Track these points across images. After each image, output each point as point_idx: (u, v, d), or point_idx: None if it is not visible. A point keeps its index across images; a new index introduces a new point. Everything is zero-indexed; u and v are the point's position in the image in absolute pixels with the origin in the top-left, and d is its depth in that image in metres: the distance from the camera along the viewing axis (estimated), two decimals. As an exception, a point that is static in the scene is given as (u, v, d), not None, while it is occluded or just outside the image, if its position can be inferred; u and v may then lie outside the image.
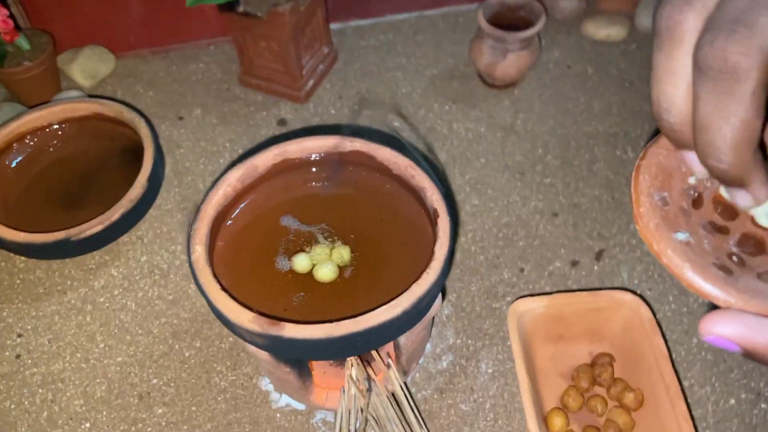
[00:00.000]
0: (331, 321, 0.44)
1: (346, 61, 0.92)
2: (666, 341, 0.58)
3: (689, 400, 0.60)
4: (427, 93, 0.87)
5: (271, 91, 0.88)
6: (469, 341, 0.64)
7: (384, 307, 0.44)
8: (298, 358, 0.51)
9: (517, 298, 0.61)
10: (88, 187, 0.74)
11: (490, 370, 0.63)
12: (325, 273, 0.50)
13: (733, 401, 0.60)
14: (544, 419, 0.57)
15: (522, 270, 0.69)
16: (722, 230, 0.34)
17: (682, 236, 0.32)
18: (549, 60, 0.90)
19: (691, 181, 0.35)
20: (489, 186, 0.76)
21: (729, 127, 0.25)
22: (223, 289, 0.46)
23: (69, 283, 0.70)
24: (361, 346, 0.46)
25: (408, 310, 0.45)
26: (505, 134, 0.82)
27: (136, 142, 0.74)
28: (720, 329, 0.28)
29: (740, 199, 0.30)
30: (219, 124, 0.85)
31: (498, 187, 0.76)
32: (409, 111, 0.85)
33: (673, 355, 0.63)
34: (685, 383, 0.61)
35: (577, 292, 0.61)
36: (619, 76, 0.88)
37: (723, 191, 0.35)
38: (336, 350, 0.46)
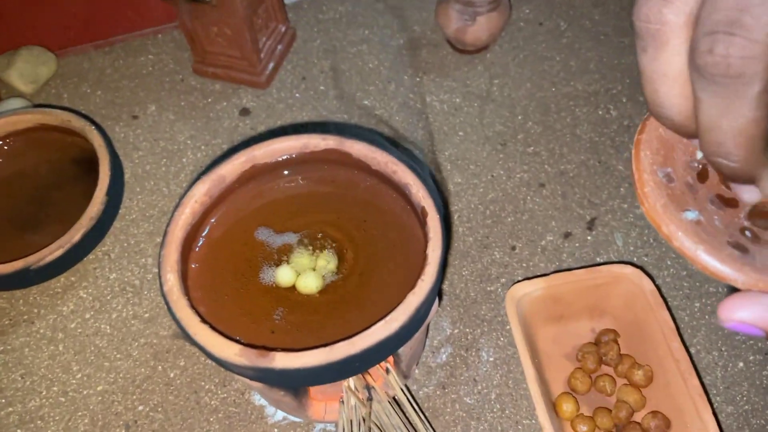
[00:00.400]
0: (325, 345, 0.40)
1: (306, 38, 0.86)
2: (670, 311, 0.56)
3: (697, 367, 0.58)
4: (395, 65, 0.82)
5: (229, 78, 0.82)
6: (467, 330, 0.62)
7: (380, 323, 0.41)
8: (291, 386, 0.48)
9: (514, 283, 0.58)
10: (42, 205, 0.69)
11: (491, 359, 0.60)
12: (308, 284, 0.47)
13: (741, 364, 0.58)
14: (553, 405, 0.55)
15: (513, 248, 0.66)
16: (731, 203, 0.31)
17: (691, 215, 0.29)
18: (519, 18, 0.86)
19: (699, 156, 0.32)
20: (471, 161, 0.73)
21: (738, 127, 0.23)
22: (203, 320, 0.42)
23: (35, 311, 0.65)
24: (360, 367, 0.43)
25: (406, 323, 0.41)
26: (482, 103, 0.78)
27: (90, 151, 0.69)
28: (740, 315, 0.26)
29: (747, 194, 0.28)
30: (177, 119, 0.80)
31: (480, 162, 0.73)
32: (379, 87, 0.80)
33: (677, 322, 0.61)
34: (692, 350, 0.60)
35: (575, 270, 0.58)
36: (594, 28, 0.84)
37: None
38: (333, 375, 0.43)
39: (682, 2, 0.24)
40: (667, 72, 0.25)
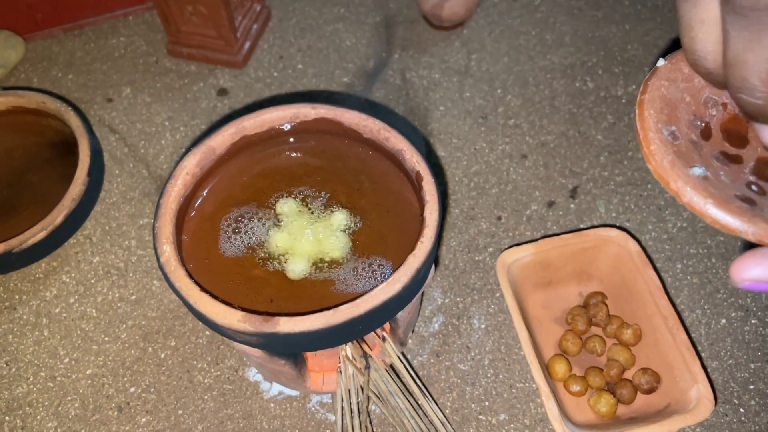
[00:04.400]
0: (329, 308, 0.40)
1: (281, 17, 0.86)
2: (656, 270, 0.58)
3: (685, 323, 0.60)
4: (373, 43, 0.82)
5: (205, 59, 0.81)
6: (458, 299, 0.62)
7: (383, 285, 0.41)
8: (295, 351, 0.48)
9: (504, 250, 0.59)
10: (19, 190, 0.67)
11: (483, 326, 0.61)
12: (296, 270, 0.46)
13: (724, 321, 0.60)
14: (546, 367, 0.56)
15: (499, 218, 0.67)
16: (736, 159, 0.32)
17: (698, 171, 0.30)
18: (493, -6, 0.87)
19: (705, 93, 0.33)
20: (453, 135, 0.73)
21: (763, 61, 0.24)
22: (203, 289, 0.42)
23: (17, 297, 0.64)
24: (362, 330, 0.43)
25: (407, 284, 0.42)
26: (461, 78, 0.78)
27: (66, 134, 0.67)
28: (753, 273, 0.27)
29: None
30: (153, 101, 0.78)
31: (462, 135, 0.73)
32: (357, 64, 0.80)
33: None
34: (675, 310, 0.61)
35: (562, 235, 0.59)
36: (567, 3, 0.85)
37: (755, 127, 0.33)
38: (337, 338, 0.43)
39: None
40: (705, 18, 0.26)
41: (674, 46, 0.79)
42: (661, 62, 0.33)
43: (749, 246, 0.28)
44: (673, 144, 0.31)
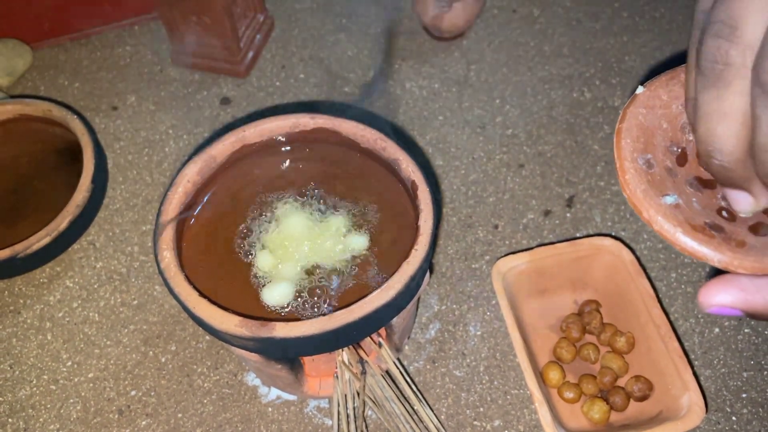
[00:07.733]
0: (323, 314, 0.41)
1: (284, 27, 0.87)
2: (650, 279, 0.59)
3: (677, 332, 0.60)
4: (374, 53, 0.83)
5: (209, 68, 0.82)
6: (454, 306, 0.63)
7: (377, 291, 0.42)
8: (291, 356, 0.49)
9: (499, 258, 0.59)
10: (25, 196, 0.68)
11: (479, 333, 0.62)
12: (293, 276, 0.47)
13: (717, 330, 0.61)
14: (540, 374, 0.57)
15: (496, 227, 0.68)
16: (709, 185, 0.33)
17: (670, 199, 0.31)
18: (493, 5, 0.88)
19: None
20: (451, 144, 0.74)
21: None
22: (201, 294, 0.43)
23: (21, 301, 0.65)
24: (357, 335, 0.44)
25: (401, 291, 0.43)
26: (460, 88, 0.79)
27: (72, 141, 0.69)
28: (719, 299, 0.28)
29: None
30: (157, 110, 0.80)
31: (461, 145, 0.74)
32: (359, 74, 0.81)
33: (655, 292, 0.63)
34: (670, 318, 0.62)
35: (557, 244, 0.60)
36: (566, 15, 0.86)
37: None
38: (331, 343, 0.44)
39: (746, 41, 0.23)
40: (727, 111, 0.25)
41: (671, 57, 0.80)
42: (640, 89, 0.34)
43: (716, 272, 0.29)
44: (648, 172, 0.32)
